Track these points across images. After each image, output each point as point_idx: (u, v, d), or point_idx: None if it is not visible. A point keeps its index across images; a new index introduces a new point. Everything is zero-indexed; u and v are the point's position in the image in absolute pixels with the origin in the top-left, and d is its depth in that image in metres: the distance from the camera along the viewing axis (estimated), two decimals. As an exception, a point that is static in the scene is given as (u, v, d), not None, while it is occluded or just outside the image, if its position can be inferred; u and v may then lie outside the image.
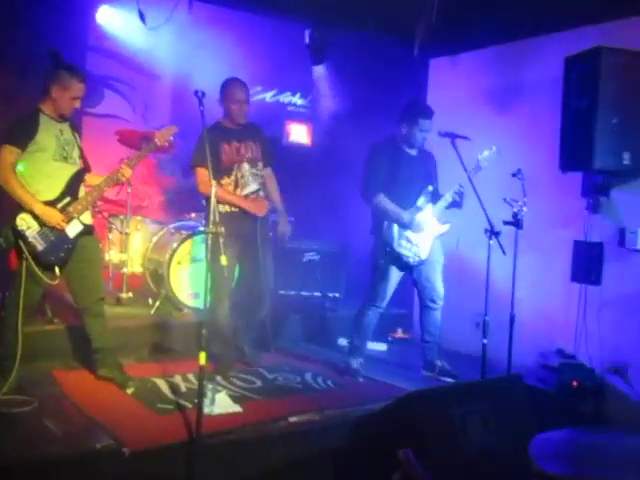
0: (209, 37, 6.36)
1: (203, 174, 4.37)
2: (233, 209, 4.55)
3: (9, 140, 3.77)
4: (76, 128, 4.16)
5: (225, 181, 4.55)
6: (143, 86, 7.04)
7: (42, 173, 3.86)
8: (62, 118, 3.99)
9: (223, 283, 4.36)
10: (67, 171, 3.95)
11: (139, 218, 5.83)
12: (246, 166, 4.61)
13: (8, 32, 5.59)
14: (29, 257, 3.75)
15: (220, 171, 4.48)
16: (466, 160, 4.55)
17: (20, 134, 3.80)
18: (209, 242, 3.46)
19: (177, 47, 6.53)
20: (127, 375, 4.24)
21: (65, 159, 3.95)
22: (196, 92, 3.67)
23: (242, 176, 4.60)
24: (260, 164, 4.71)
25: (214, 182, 3.52)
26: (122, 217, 5.61)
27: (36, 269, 3.78)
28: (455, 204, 4.75)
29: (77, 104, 4.00)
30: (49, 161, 3.88)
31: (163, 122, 6.61)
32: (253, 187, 4.63)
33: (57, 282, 3.93)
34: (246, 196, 4.59)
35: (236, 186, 4.58)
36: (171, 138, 4.22)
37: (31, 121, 3.84)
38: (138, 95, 7.04)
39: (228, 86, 4.61)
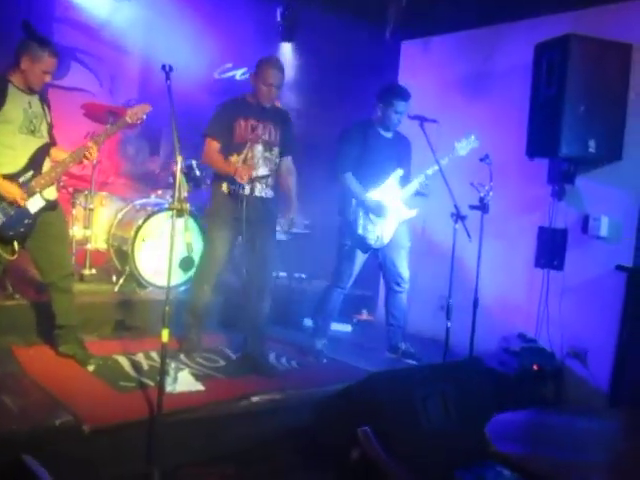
0: (179, 12, 6.27)
1: (209, 146, 4.30)
2: (233, 189, 4.31)
3: None
4: (46, 101, 4.05)
5: (234, 158, 4.30)
6: (111, 59, 6.91)
7: (5, 145, 3.76)
8: (31, 90, 3.89)
9: (208, 265, 4.30)
10: (32, 144, 3.86)
11: (104, 194, 5.75)
12: (259, 147, 4.37)
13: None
14: None
15: (231, 146, 4.31)
16: (442, 146, 4.56)
17: None
18: (173, 220, 3.42)
19: (146, 21, 6.43)
20: (88, 352, 4.19)
21: (32, 132, 3.85)
22: (163, 66, 3.58)
23: (252, 157, 4.34)
24: (276, 150, 4.45)
25: (179, 159, 3.45)
26: (86, 192, 5.52)
27: None
28: (421, 193, 4.78)
29: (47, 78, 3.89)
30: (14, 133, 3.78)
31: (130, 96, 6.54)
32: (262, 171, 4.38)
33: (16, 257, 3.86)
34: (253, 179, 4.31)
35: None
36: (143, 117, 4.12)
37: None
38: (105, 68, 6.92)
39: (263, 66, 4.37)
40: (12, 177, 3.76)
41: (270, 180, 4.46)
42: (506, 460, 2.20)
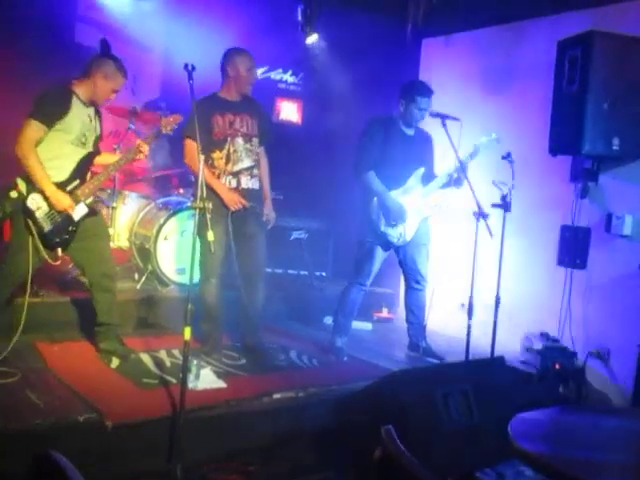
0: (200, 11, 6.29)
1: (190, 146, 4.33)
2: (227, 178, 4.40)
3: (38, 115, 3.71)
4: (100, 114, 4.14)
5: (216, 155, 4.39)
6: (132, 59, 6.93)
7: (55, 154, 3.84)
8: (91, 103, 3.97)
9: (210, 260, 4.33)
10: (79, 155, 3.94)
11: (126, 192, 5.80)
12: (240, 140, 4.44)
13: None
14: (36, 236, 3.76)
15: (211, 144, 4.35)
16: (463, 143, 4.54)
17: (51, 112, 3.75)
18: (196, 218, 3.44)
19: (167, 20, 6.46)
20: (129, 348, 4.29)
21: (83, 144, 3.94)
22: (186, 65, 3.61)
23: (235, 151, 4.42)
24: (255, 140, 4.53)
25: (202, 157, 3.48)
26: (109, 191, 5.57)
27: (42, 248, 3.79)
28: (448, 184, 4.73)
29: (113, 97, 4.01)
30: (67, 143, 3.86)
31: (152, 96, 6.57)
32: (246, 163, 4.46)
33: (59, 262, 3.97)
34: (238, 172, 4.43)
35: (227, 161, 4.41)
36: (175, 126, 4.17)
37: (64, 101, 3.79)
38: (128, 67, 6.92)
39: (234, 55, 4.43)
40: (60, 186, 3.84)
41: (255, 171, 4.53)
42: (529, 459, 2.19)
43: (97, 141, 4.08)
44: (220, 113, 4.41)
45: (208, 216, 3.39)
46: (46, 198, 3.77)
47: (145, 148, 4.03)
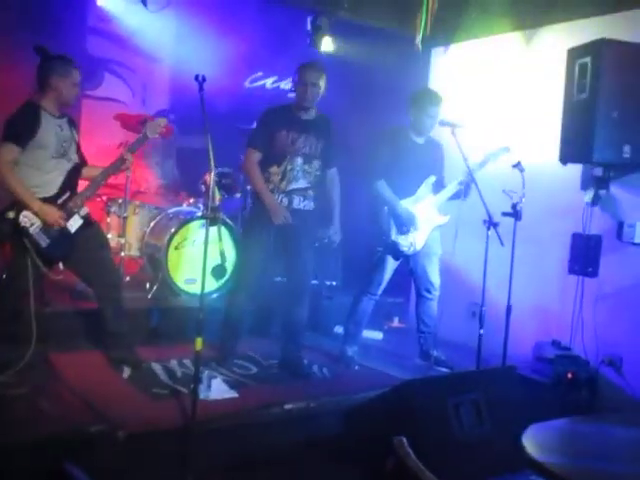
0: (210, 21, 6.32)
1: (251, 156, 4.35)
2: (280, 196, 4.37)
3: (10, 138, 3.72)
4: (73, 123, 4.13)
5: (273, 170, 4.36)
6: (143, 69, 7.00)
7: (41, 170, 3.85)
8: (62, 112, 3.97)
9: (244, 272, 4.32)
10: (64, 167, 3.95)
11: (137, 202, 5.81)
12: (299, 160, 4.38)
13: (6, 15, 5.55)
14: (33, 253, 3.76)
15: (270, 157, 4.35)
16: (473, 152, 4.53)
17: (21, 132, 3.75)
18: (207, 227, 3.45)
19: (177, 30, 6.50)
20: (139, 357, 4.30)
21: (63, 155, 3.94)
22: (197, 76, 3.61)
23: (292, 169, 4.37)
24: (316, 162, 4.45)
25: (213, 167, 3.49)
26: (120, 201, 5.59)
27: (41, 264, 3.80)
28: (457, 195, 4.74)
29: (77, 90, 3.99)
30: (48, 158, 3.86)
31: (162, 106, 6.61)
32: (301, 184, 4.40)
33: (61, 277, 4.00)
34: (291, 191, 4.39)
35: (283, 178, 4.37)
36: (162, 130, 4.16)
37: (33, 118, 3.79)
38: (137, 78, 7.01)
39: (301, 69, 4.38)
40: (50, 200, 3.85)
41: (311, 192, 4.49)
42: (542, 470, 2.18)
43: (78, 150, 4.07)
44: (286, 129, 4.35)
45: (218, 225, 3.40)
46: (36, 214, 3.78)
47: (129, 157, 4.01)
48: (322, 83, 4.36)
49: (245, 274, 4.37)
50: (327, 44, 6.40)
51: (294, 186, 4.41)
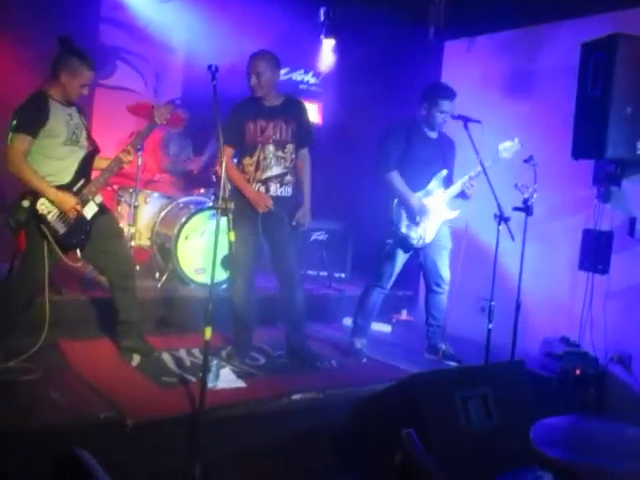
0: (223, 11, 6.31)
1: (225, 152, 4.32)
2: (257, 185, 4.38)
3: (21, 128, 3.73)
4: (82, 111, 4.14)
5: (247, 161, 4.38)
6: (155, 59, 7.01)
7: (54, 158, 3.87)
8: (69, 102, 3.98)
9: (236, 262, 4.34)
10: (78, 154, 3.97)
11: (148, 192, 5.83)
12: (271, 148, 4.37)
13: (22, 5, 5.56)
14: (52, 240, 3.79)
15: (244, 149, 4.38)
16: (485, 146, 4.51)
17: (32, 121, 3.76)
18: (218, 218, 3.46)
19: (190, 20, 6.49)
20: (151, 346, 4.32)
21: (76, 143, 3.95)
22: (210, 66, 3.61)
23: (264, 158, 4.37)
24: (290, 146, 4.43)
25: (224, 158, 3.50)
26: (131, 190, 5.61)
27: (59, 251, 3.82)
28: (463, 194, 4.74)
29: (85, 91, 3.99)
30: (60, 146, 3.88)
31: (175, 95, 6.61)
32: (275, 171, 4.39)
33: (80, 264, 4.04)
34: (267, 179, 4.39)
35: (257, 168, 4.38)
36: (169, 116, 4.14)
37: (41, 107, 3.79)
38: (150, 67, 7.01)
39: (249, 61, 4.37)
40: (65, 187, 3.87)
41: (288, 177, 4.47)
42: (551, 465, 2.18)
43: (89, 137, 4.08)
44: (252, 120, 4.36)
45: (230, 216, 3.41)
46: (52, 202, 3.80)
47: (126, 157, 3.99)
48: (266, 70, 4.31)
49: (237, 263, 4.36)
50: (337, 36, 6.38)
51: (269, 174, 4.39)
